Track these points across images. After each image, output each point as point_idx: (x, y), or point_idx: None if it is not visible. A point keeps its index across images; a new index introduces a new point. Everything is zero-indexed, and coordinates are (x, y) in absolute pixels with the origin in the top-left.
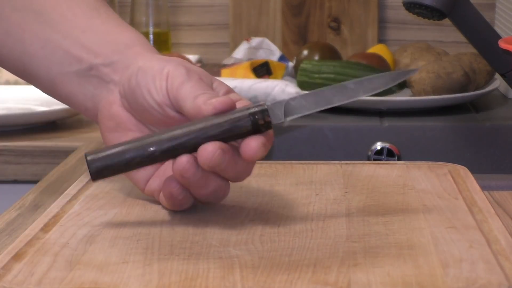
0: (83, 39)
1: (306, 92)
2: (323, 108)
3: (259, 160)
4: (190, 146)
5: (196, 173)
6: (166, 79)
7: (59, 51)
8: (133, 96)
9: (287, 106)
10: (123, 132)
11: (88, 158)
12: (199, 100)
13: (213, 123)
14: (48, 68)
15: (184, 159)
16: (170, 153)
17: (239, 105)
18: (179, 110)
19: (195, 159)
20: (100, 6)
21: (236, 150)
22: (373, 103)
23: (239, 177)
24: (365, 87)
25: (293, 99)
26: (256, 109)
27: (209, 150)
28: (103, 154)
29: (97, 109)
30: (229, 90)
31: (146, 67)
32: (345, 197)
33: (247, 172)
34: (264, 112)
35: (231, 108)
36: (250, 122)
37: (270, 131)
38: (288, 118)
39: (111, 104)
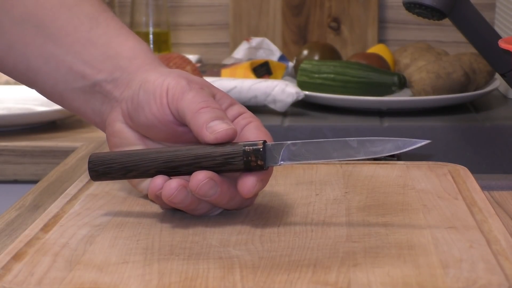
0: (84, 54)
1: (308, 141)
2: (320, 161)
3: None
4: (184, 172)
5: (185, 199)
6: (166, 94)
7: (62, 67)
8: (137, 115)
9: (286, 150)
10: (128, 147)
11: (90, 162)
12: (200, 118)
13: (207, 153)
14: (54, 83)
15: (173, 185)
16: (165, 174)
17: (243, 119)
18: (183, 123)
19: (186, 184)
20: (99, 13)
21: (234, 183)
22: (373, 103)
23: (238, 208)
24: (366, 150)
25: (294, 144)
26: (252, 148)
27: (199, 178)
28: (104, 158)
29: (104, 123)
30: (233, 102)
31: (147, 85)
32: (345, 197)
33: (245, 204)
34: (258, 153)
35: (231, 140)
36: (243, 162)
37: (269, 170)
38: (284, 163)
39: (115, 121)
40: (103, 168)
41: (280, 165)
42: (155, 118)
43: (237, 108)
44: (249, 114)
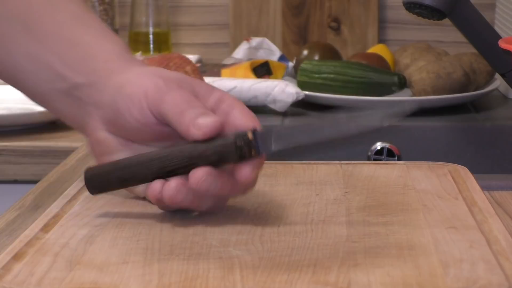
0: (65, 56)
1: (299, 124)
2: (314, 142)
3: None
4: (181, 173)
5: (186, 197)
6: (145, 98)
7: (45, 67)
8: (117, 121)
9: (277, 135)
10: (114, 154)
11: (87, 179)
12: (185, 118)
13: (200, 153)
14: (37, 83)
15: (173, 185)
16: (162, 176)
17: (226, 106)
18: (167, 123)
19: (185, 182)
20: (83, 13)
21: (233, 171)
22: (373, 103)
23: (243, 194)
24: (359, 124)
25: (285, 128)
26: (243, 141)
27: (197, 176)
28: (99, 172)
29: (85, 130)
30: (211, 89)
31: (123, 90)
32: (345, 197)
33: (247, 189)
34: (250, 145)
35: (220, 131)
36: (237, 156)
37: (262, 156)
38: (277, 149)
39: (96, 130)
40: (99, 183)
41: (273, 151)
42: (138, 122)
43: (217, 94)
44: (230, 98)
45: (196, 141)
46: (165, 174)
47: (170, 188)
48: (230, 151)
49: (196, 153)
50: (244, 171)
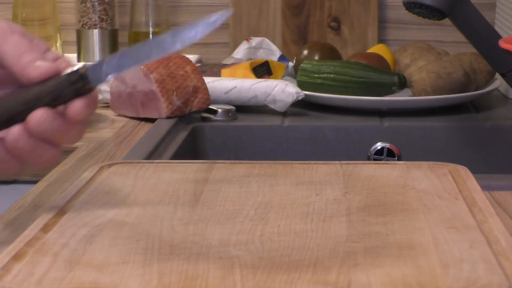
0: None
1: (124, 50)
2: (143, 64)
3: (85, 120)
4: (19, 120)
5: (28, 142)
6: None
7: None
8: None
9: (107, 65)
10: None
11: None
12: (24, 59)
13: (35, 95)
14: None
15: (15, 130)
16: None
17: (61, 63)
18: (4, 67)
19: (26, 127)
20: None
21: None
22: (373, 103)
23: (72, 140)
24: (181, 39)
25: (113, 57)
26: (76, 75)
27: (38, 116)
28: None
29: None
30: (49, 48)
31: None
32: (345, 197)
33: (79, 135)
34: (85, 79)
35: (55, 74)
36: (72, 92)
37: (94, 93)
38: (111, 77)
39: None
40: None
41: (108, 80)
42: None
43: (53, 53)
44: (65, 58)
45: (30, 86)
46: (3, 124)
47: (12, 133)
48: (65, 88)
49: (31, 96)
50: (77, 105)
